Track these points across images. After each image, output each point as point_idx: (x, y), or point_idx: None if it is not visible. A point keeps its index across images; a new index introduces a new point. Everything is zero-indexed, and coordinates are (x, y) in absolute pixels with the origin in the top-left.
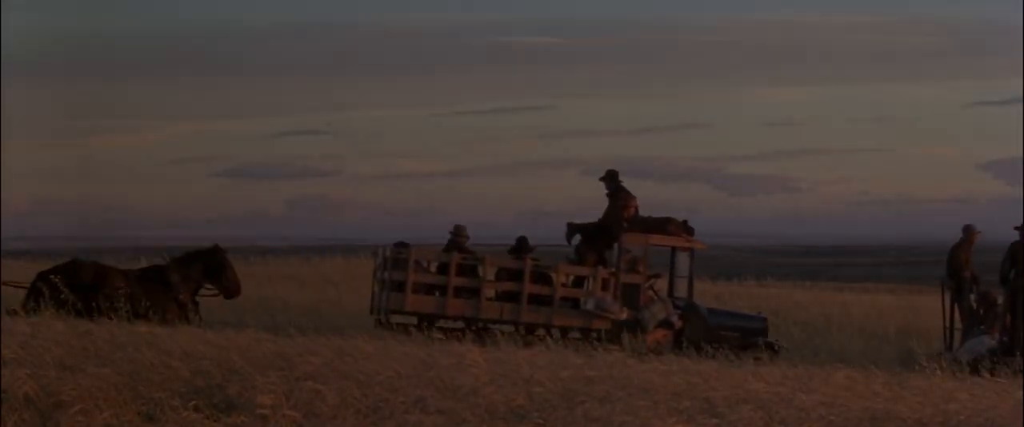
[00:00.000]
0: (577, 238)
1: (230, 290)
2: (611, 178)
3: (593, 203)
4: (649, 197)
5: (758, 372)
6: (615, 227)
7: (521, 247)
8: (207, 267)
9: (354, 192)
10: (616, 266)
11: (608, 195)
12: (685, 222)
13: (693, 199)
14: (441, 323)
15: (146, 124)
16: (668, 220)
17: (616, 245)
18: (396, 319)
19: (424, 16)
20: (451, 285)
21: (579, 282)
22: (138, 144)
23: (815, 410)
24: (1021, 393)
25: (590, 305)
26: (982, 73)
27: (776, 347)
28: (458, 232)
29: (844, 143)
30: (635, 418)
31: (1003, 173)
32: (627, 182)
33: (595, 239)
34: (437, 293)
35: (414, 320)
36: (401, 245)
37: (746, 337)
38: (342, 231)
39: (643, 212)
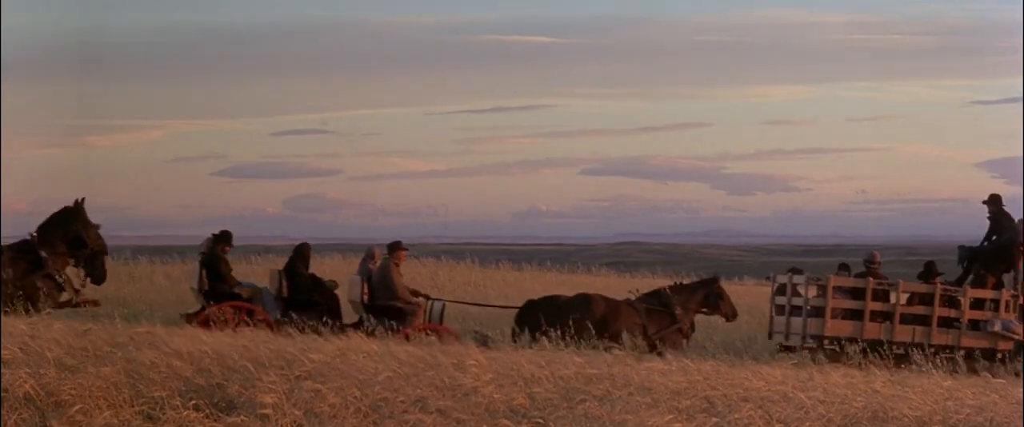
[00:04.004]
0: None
1: (728, 317)
2: (994, 202)
3: (592, 203)
4: (649, 196)
5: (758, 371)
6: (1015, 250)
7: (930, 271)
8: (707, 296)
9: (352, 191)
10: (1017, 288)
11: (990, 218)
12: None
13: (693, 198)
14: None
15: (146, 124)
16: None
17: (1016, 268)
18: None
19: (422, 16)
20: (867, 310)
21: (977, 304)
22: (138, 144)
23: (815, 409)
24: (1021, 392)
25: (997, 327)
26: (980, 72)
27: None
28: (871, 258)
29: (843, 142)
30: (635, 417)
31: (1001, 172)
32: (626, 182)
33: (993, 262)
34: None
35: (812, 344)
36: (796, 271)
37: None
38: (340, 230)
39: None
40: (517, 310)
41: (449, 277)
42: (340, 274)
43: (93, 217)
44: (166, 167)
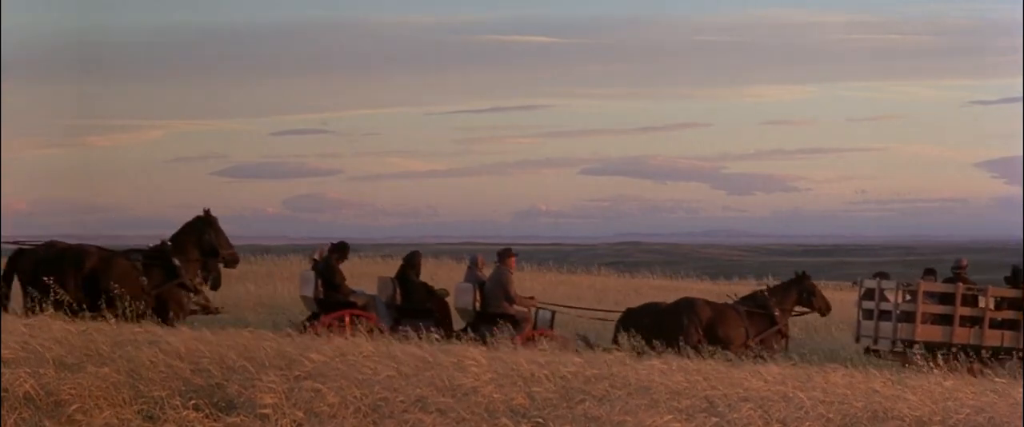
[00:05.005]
0: None
1: (822, 312)
2: None
3: (592, 203)
4: (649, 196)
5: (757, 371)
6: None
7: (1017, 276)
8: (800, 293)
9: (352, 191)
10: None
11: None
12: None
13: (693, 198)
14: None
15: (146, 124)
16: None
17: None
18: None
19: (422, 16)
20: (957, 314)
21: None
22: (138, 144)
23: (814, 409)
24: (1021, 392)
25: None
26: (980, 72)
27: None
28: (959, 264)
29: (842, 142)
30: (634, 417)
31: (1001, 172)
32: (626, 181)
33: None
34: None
35: (897, 348)
36: (883, 275)
37: None
38: (340, 230)
39: (631, 208)
40: (619, 316)
41: (449, 277)
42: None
43: (93, 217)
44: (166, 167)
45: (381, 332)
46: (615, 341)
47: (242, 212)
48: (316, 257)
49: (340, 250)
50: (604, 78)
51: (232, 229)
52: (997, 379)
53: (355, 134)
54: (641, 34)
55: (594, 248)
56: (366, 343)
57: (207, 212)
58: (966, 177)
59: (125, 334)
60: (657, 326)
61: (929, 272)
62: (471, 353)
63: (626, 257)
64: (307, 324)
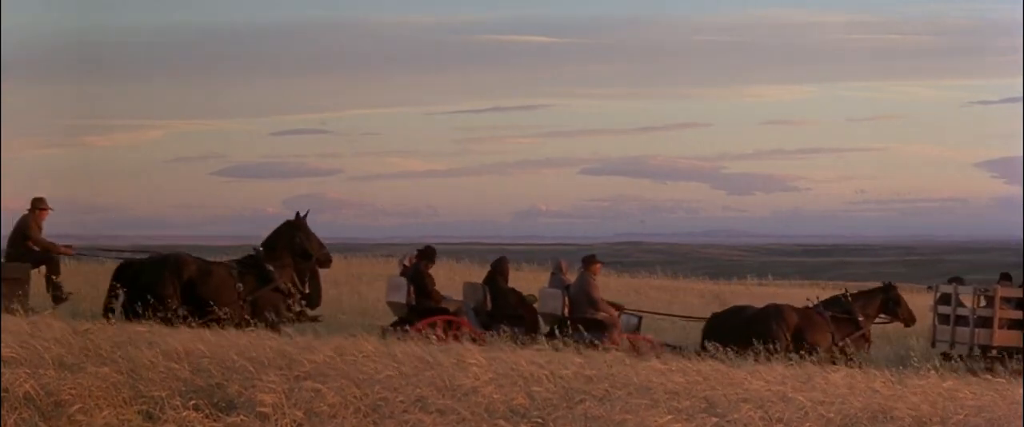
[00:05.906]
0: None
1: (907, 322)
2: None
3: (592, 203)
4: (649, 196)
5: (757, 371)
6: None
7: None
8: (885, 302)
9: (352, 191)
10: None
11: None
12: None
13: (693, 198)
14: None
15: (146, 124)
16: None
17: None
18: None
19: (422, 16)
20: None
21: None
22: (138, 144)
23: (814, 409)
24: (1020, 392)
25: None
26: (980, 72)
27: None
28: None
29: (842, 142)
30: (635, 417)
31: (1001, 172)
32: (626, 182)
33: None
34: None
35: (971, 353)
36: (958, 280)
37: None
38: (340, 230)
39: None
40: (704, 321)
41: (449, 277)
42: (339, 275)
43: (93, 217)
44: (166, 167)
45: (476, 338)
46: (703, 346)
47: (242, 212)
48: (405, 263)
49: (427, 255)
50: (604, 78)
51: (232, 229)
52: (997, 379)
53: (355, 134)
54: (641, 34)
55: (594, 248)
56: (365, 343)
57: (298, 215)
58: (966, 177)
59: (125, 334)
60: (745, 331)
61: (1005, 277)
62: (471, 353)
63: (626, 257)
64: (396, 329)
